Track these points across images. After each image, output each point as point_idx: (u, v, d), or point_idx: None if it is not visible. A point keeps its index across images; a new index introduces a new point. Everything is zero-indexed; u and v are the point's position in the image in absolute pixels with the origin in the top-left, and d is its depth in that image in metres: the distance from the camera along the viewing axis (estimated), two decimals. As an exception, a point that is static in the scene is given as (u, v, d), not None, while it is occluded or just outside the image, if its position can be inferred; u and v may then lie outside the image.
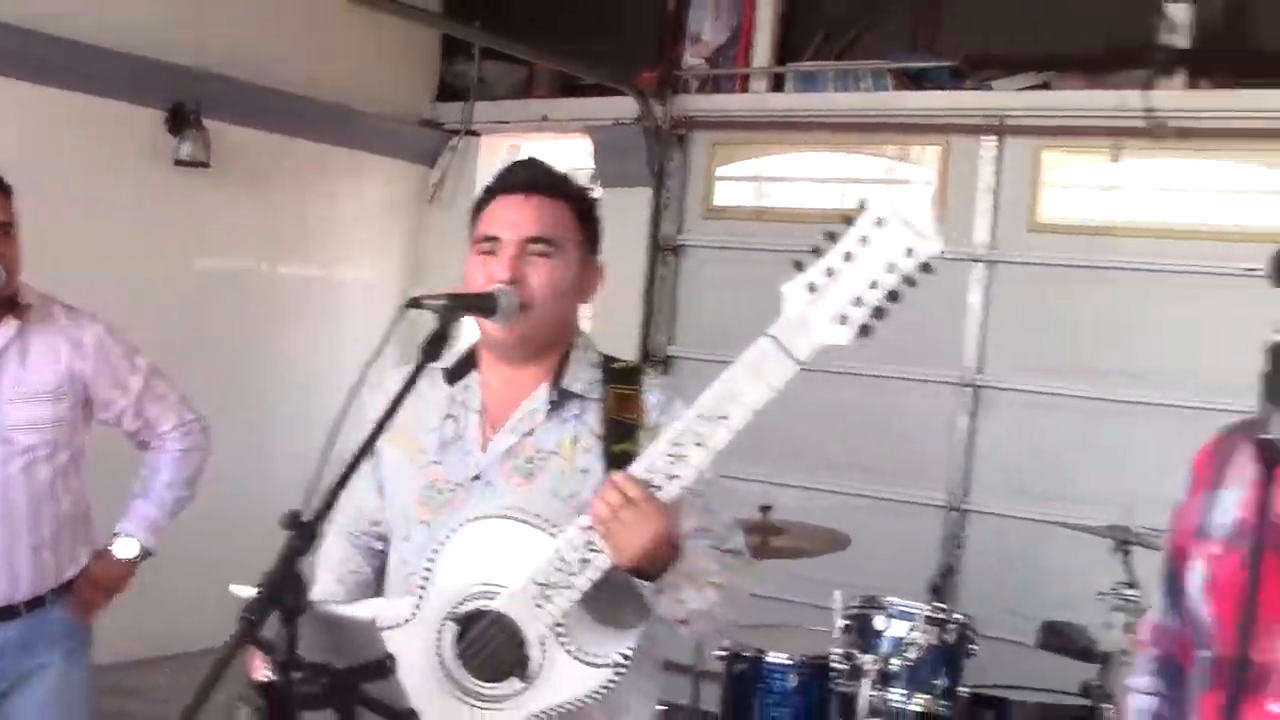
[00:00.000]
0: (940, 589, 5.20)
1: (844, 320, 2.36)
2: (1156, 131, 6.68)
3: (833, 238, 2.37)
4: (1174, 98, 6.81)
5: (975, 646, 5.14)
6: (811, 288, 2.37)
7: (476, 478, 2.84)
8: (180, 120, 7.41)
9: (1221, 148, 6.84)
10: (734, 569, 2.77)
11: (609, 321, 8.00)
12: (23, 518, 3.75)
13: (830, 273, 2.36)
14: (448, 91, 9.32)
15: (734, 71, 8.28)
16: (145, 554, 4.05)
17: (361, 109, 8.66)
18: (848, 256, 2.35)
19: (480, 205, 2.92)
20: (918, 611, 5.01)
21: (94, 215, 6.93)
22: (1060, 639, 5.25)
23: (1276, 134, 6.65)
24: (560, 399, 2.84)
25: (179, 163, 7.40)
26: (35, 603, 3.81)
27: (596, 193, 8.41)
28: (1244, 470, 2.37)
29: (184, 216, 7.36)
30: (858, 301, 2.35)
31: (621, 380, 2.89)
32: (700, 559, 2.67)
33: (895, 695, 4.94)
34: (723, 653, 5.36)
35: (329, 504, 2.31)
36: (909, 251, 2.35)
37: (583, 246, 2.94)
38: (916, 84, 7.79)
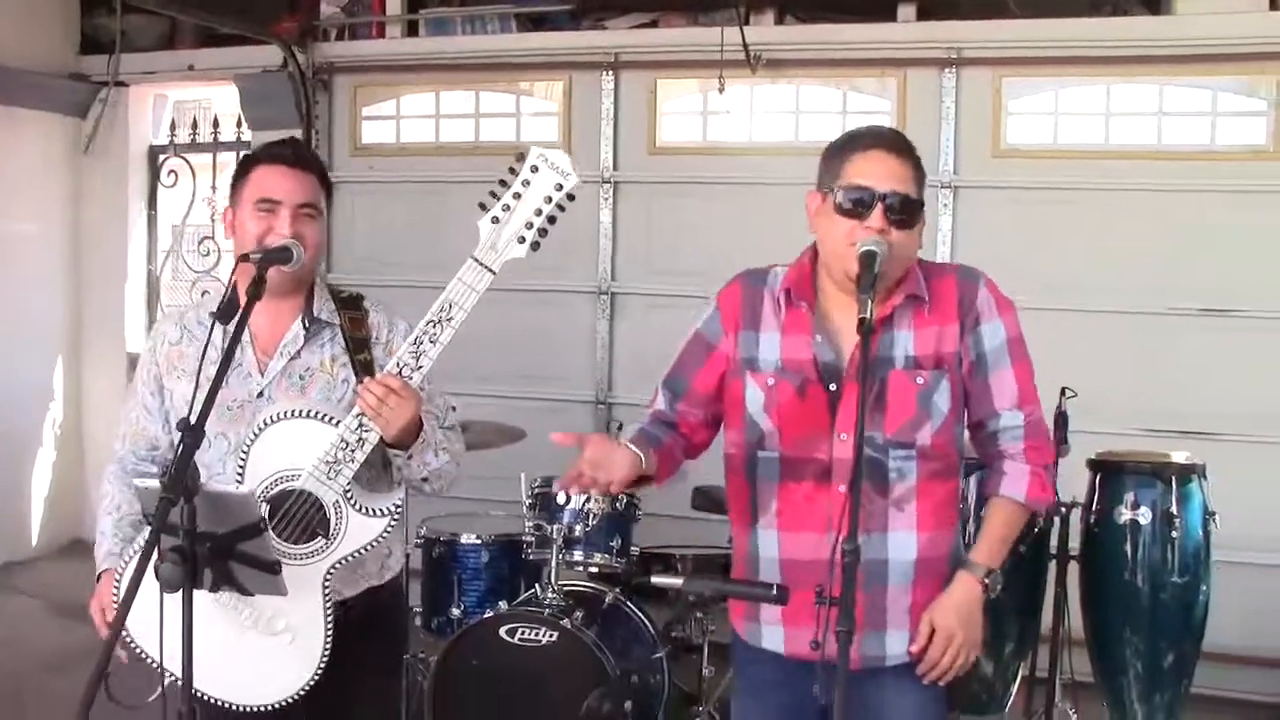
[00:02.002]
0: None
1: (521, 240, 3.36)
2: (752, 63, 7.63)
3: (504, 184, 3.34)
4: (766, 33, 7.79)
5: (640, 513, 5.91)
6: (495, 220, 3.34)
7: (260, 394, 3.64)
8: None
9: (804, 75, 7.91)
10: (451, 439, 3.71)
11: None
12: None
13: (507, 208, 3.34)
14: (91, 44, 9.63)
15: (370, 19, 8.86)
16: None
17: (9, 65, 8.93)
18: (517, 195, 3.34)
19: (247, 170, 3.68)
20: (591, 486, 5.77)
21: None
22: (707, 500, 6.16)
23: (848, 62, 7.79)
24: (312, 325, 3.66)
25: None
26: None
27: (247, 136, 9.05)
28: (772, 319, 3.50)
29: None
30: (529, 225, 3.35)
31: (349, 307, 3.73)
32: (433, 432, 3.57)
33: (578, 556, 5.69)
34: (418, 541, 6.09)
35: (205, 410, 3.08)
36: (558, 186, 3.35)
37: (323, 214, 3.74)
38: (538, 26, 8.53)
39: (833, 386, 3.35)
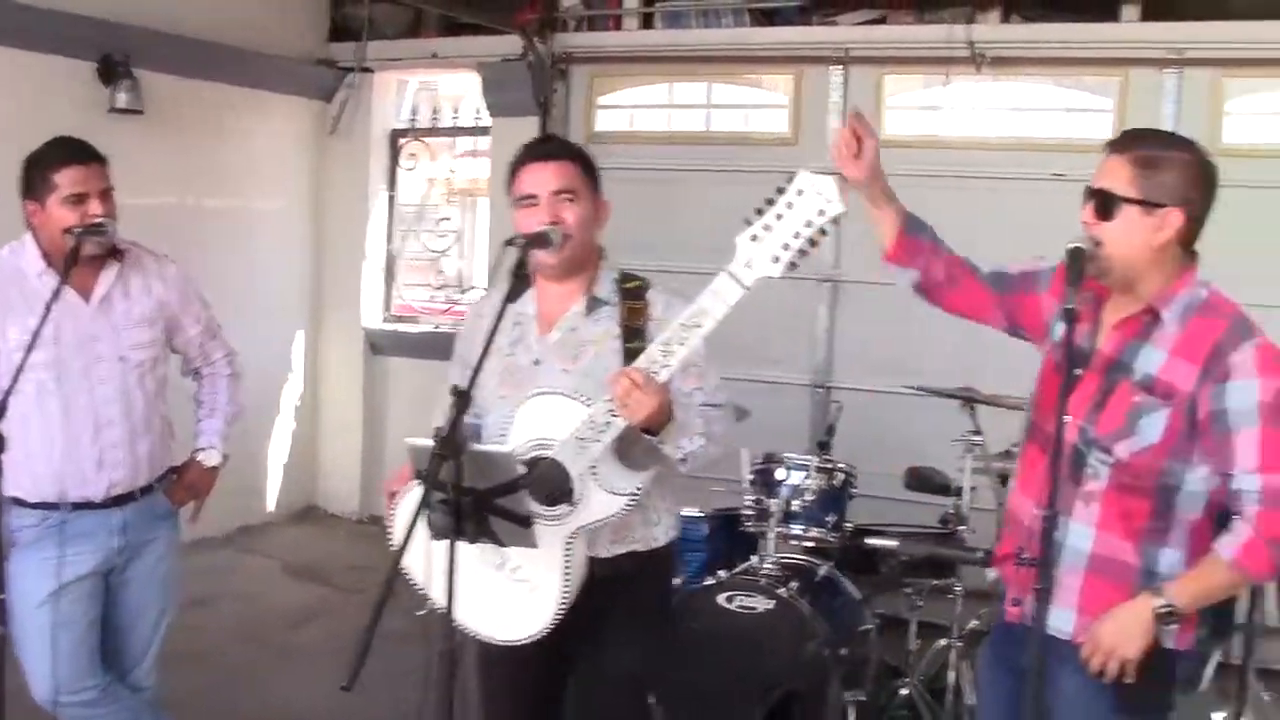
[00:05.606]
0: (826, 445, 6.19)
1: (776, 260, 3.41)
2: (977, 60, 7.83)
3: (770, 203, 3.43)
4: (991, 31, 7.95)
5: (856, 490, 6.18)
6: (754, 238, 3.42)
7: (537, 362, 3.96)
8: (111, 71, 8.11)
9: (1027, 73, 8.05)
10: (714, 419, 3.87)
11: (502, 235, 8.98)
12: (141, 419, 4.59)
13: (767, 228, 3.41)
14: (339, 32, 10.11)
15: (608, 12, 9.23)
16: (224, 459, 4.91)
17: (265, 51, 9.45)
18: (779, 216, 3.40)
19: (513, 172, 4.01)
20: (810, 463, 6.02)
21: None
22: (919, 480, 6.35)
23: (1071, 61, 7.96)
24: (593, 304, 3.96)
25: (114, 110, 8.11)
26: (147, 489, 4.66)
27: (486, 122, 9.41)
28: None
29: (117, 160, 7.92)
30: (785, 247, 3.40)
31: (632, 296, 3.97)
32: (689, 416, 3.76)
33: (795, 530, 5.95)
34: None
35: (473, 379, 3.43)
36: (821, 212, 3.37)
37: (591, 192, 4.02)
38: (770, 21, 8.77)
39: (1078, 371, 3.48)
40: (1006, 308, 3.83)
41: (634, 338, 3.87)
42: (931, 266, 3.86)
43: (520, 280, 3.72)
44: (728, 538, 6.26)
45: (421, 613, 3.69)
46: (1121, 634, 3.40)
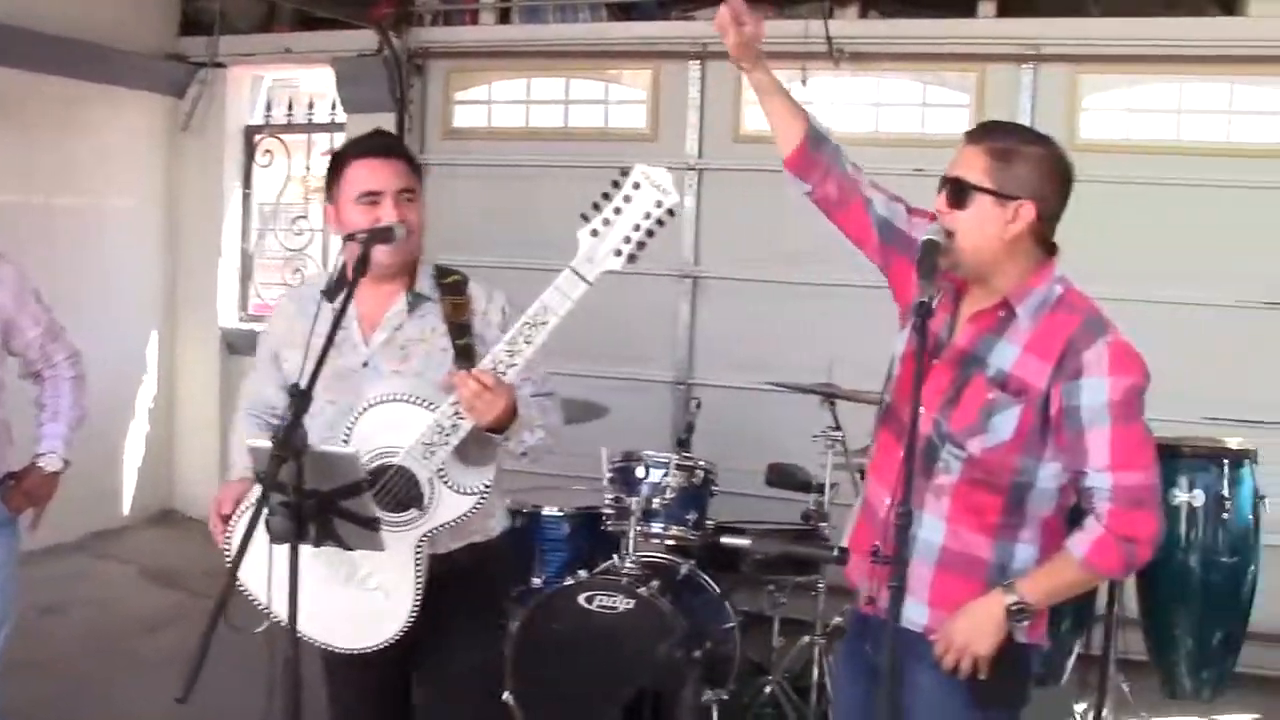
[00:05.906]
0: (686, 442, 6.21)
1: (618, 253, 3.45)
2: (835, 56, 7.86)
3: (607, 197, 3.44)
4: (849, 26, 7.99)
5: (717, 487, 6.15)
6: (594, 233, 3.44)
7: (365, 364, 3.87)
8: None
9: (885, 68, 8.09)
10: (548, 410, 3.91)
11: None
12: None
13: (607, 222, 3.44)
14: (191, 26, 9.89)
15: (464, 6, 9.17)
16: (66, 464, 4.71)
17: (114, 46, 9.20)
18: (617, 210, 3.43)
19: (343, 166, 3.89)
20: (669, 460, 6.00)
21: None
22: (781, 476, 6.35)
23: (928, 56, 8.02)
24: (415, 301, 3.89)
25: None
26: None
27: (341, 118, 9.27)
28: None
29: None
30: (626, 240, 3.44)
31: (452, 292, 3.93)
32: (529, 411, 3.74)
33: (655, 528, 5.92)
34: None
35: (313, 378, 3.31)
36: (658, 204, 3.43)
37: (421, 192, 3.94)
38: (627, 15, 8.76)
39: (935, 361, 3.49)
40: (884, 256, 3.80)
41: (462, 334, 3.86)
42: (825, 183, 3.83)
43: (344, 278, 3.69)
44: (589, 537, 6.22)
45: (260, 630, 3.59)
46: (974, 631, 3.40)
